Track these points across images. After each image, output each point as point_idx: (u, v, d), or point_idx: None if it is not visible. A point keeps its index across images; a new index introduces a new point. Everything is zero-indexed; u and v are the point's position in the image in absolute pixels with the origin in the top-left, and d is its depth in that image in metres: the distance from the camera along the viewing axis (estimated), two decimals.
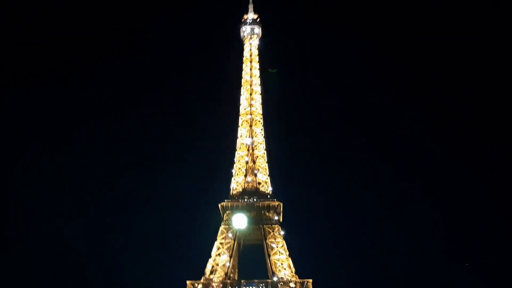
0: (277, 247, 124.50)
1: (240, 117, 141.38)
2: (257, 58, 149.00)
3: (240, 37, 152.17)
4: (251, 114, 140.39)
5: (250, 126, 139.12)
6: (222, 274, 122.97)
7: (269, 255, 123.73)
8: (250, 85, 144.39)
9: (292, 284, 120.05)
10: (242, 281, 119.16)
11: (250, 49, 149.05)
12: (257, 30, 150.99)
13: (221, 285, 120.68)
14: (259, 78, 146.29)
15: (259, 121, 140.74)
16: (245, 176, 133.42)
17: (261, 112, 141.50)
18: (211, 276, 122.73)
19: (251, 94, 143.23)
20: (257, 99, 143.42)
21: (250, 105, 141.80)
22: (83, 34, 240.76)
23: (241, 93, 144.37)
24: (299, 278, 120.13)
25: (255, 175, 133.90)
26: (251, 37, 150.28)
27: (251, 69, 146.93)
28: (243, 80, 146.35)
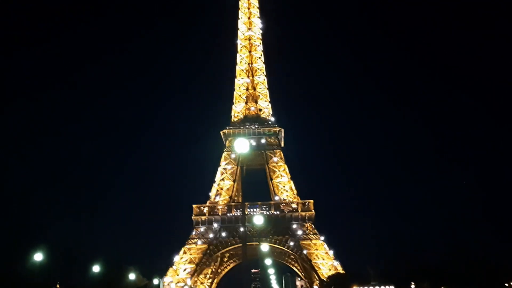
0: (278, 171, 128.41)
1: (238, 42, 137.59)
2: None
3: None
4: (249, 39, 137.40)
5: (249, 51, 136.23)
6: (227, 197, 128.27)
7: (271, 179, 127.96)
8: (248, 8, 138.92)
9: (294, 205, 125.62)
10: (246, 203, 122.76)
11: None
12: None
13: (226, 207, 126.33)
14: (257, 0, 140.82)
15: (258, 46, 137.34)
16: (246, 103, 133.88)
17: (260, 36, 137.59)
18: (216, 199, 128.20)
19: (249, 18, 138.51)
20: (256, 23, 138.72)
21: (249, 29, 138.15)
22: None
23: (239, 16, 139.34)
24: (301, 199, 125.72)
25: (256, 101, 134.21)
26: None
27: None
28: (240, 2, 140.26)
